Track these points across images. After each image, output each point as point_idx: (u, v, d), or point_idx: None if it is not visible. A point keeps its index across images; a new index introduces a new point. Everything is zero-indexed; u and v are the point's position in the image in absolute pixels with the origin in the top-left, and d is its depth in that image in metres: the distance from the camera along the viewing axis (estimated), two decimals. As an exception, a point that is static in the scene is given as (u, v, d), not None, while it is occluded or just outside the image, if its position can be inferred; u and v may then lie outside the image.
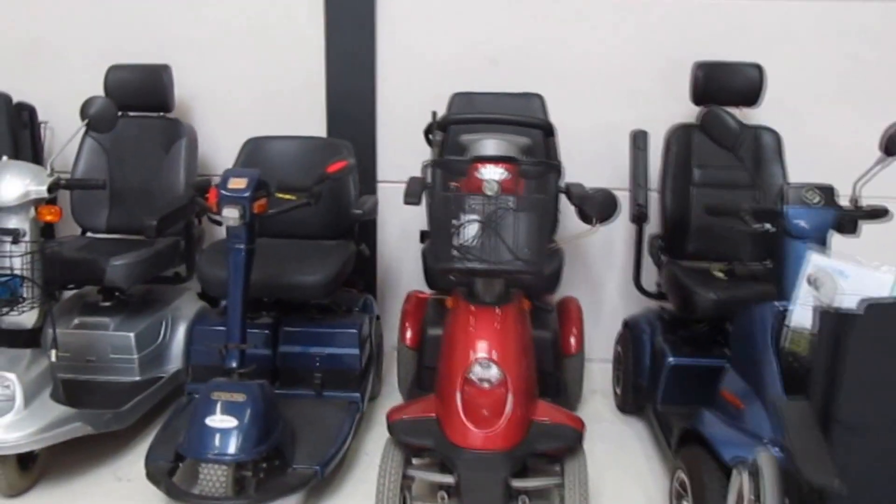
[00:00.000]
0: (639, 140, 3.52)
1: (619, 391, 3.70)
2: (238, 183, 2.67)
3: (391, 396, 3.68)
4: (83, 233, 3.72)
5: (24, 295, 2.72)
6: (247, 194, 2.65)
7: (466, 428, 2.33)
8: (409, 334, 3.47)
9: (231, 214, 2.64)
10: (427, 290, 3.60)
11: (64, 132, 3.91)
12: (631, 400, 3.54)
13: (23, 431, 2.68)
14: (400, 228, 4.07)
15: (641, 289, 3.66)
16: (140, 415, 3.19)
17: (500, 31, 3.91)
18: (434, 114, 3.69)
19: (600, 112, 3.91)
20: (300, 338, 3.27)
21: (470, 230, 2.35)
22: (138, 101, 3.64)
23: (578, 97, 3.88)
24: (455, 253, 2.34)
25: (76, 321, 3.34)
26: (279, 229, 3.39)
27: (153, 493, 2.73)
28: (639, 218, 3.47)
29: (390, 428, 2.49)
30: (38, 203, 2.80)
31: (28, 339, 2.85)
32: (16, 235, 2.74)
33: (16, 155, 3.67)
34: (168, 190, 3.60)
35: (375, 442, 3.28)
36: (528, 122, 2.65)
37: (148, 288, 3.63)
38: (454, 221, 2.39)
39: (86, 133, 3.67)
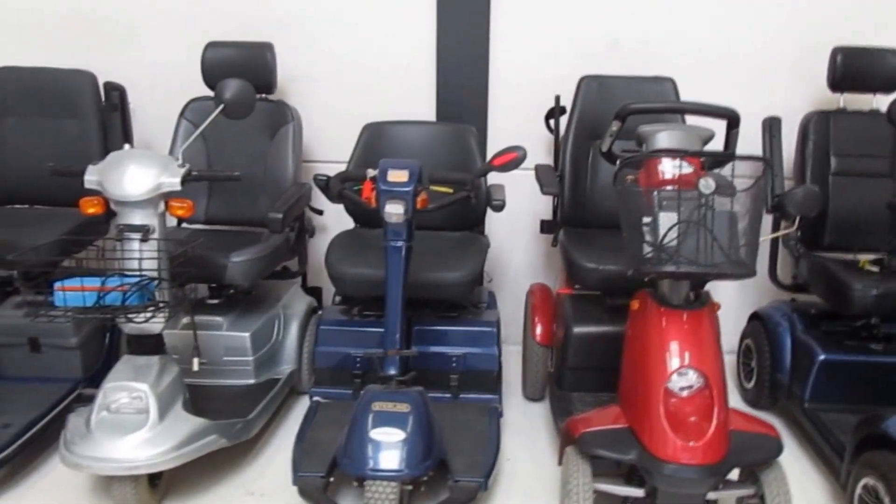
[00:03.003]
0: (773, 127, 3.32)
1: (748, 386, 3.51)
2: (399, 176, 2.45)
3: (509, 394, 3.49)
4: (178, 224, 3.46)
5: (164, 298, 2.48)
6: (409, 188, 2.43)
7: (672, 440, 2.13)
8: (539, 330, 3.27)
9: (395, 210, 2.42)
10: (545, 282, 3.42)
11: (144, 114, 3.67)
12: (766, 395, 3.35)
13: (159, 448, 2.45)
14: (508, 216, 3.81)
15: (777, 281, 3.47)
16: (265, 422, 2.97)
17: (619, 12, 3.65)
18: (557, 98, 3.49)
19: (723, 96, 3.64)
20: (436, 337, 3.05)
21: (669, 229, 2.14)
22: (238, 82, 3.38)
23: (700, 81, 3.60)
24: (659, 254, 2.12)
25: (184, 320, 3.10)
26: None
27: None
28: (777, 208, 3.27)
29: (578, 441, 2.28)
30: (168, 197, 2.56)
31: (154, 345, 2.62)
32: (145, 232, 2.50)
33: (106, 140, 3.42)
34: (276, 179, 3.36)
35: (507, 444, 3.06)
36: (716, 110, 2.44)
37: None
38: (645, 219, 2.20)
39: (181, 116, 3.42)
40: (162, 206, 2.56)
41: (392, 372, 2.50)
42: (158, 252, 2.49)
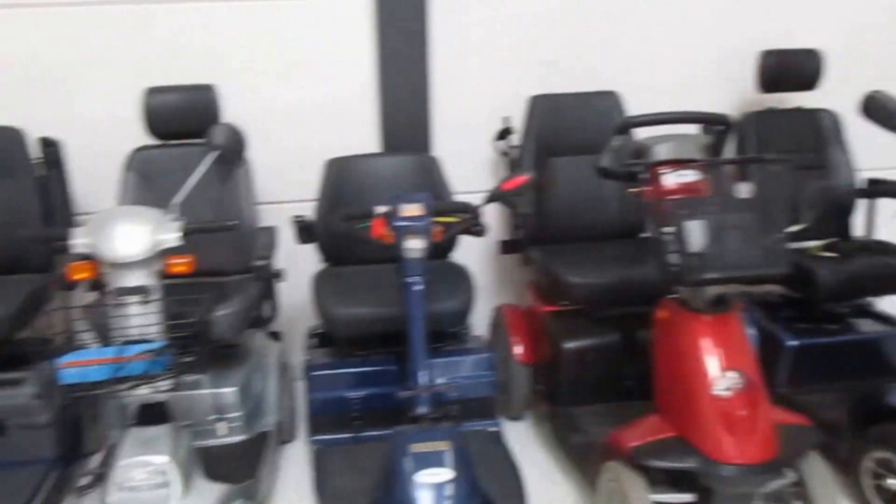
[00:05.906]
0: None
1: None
2: (413, 210, 2.42)
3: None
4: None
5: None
6: (426, 221, 2.41)
7: (730, 443, 2.20)
8: (519, 350, 3.30)
9: (415, 245, 2.39)
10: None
11: (79, 168, 3.44)
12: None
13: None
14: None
15: None
16: (273, 477, 2.85)
17: (553, 31, 3.74)
18: (506, 119, 3.53)
19: (656, 104, 3.83)
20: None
21: (695, 237, 2.23)
22: (183, 127, 3.21)
23: (635, 91, 3.71)
24: (694, 262, 2.21)
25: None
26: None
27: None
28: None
29: (630, 454, 2.31)
30: (166, 254, 2.42)
31: (163, 412, 2.45)
32: (144, 294, 2.35)
33: (46, 200, 3.17)
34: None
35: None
36: (712, 117, 2.56)
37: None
38: (665, 229, 2.28)
39: (127, 168, 3.23)
40: (159, 264, 2.41)
41: (424, 410, 2.45)
42: (161, 313, 2.35)
